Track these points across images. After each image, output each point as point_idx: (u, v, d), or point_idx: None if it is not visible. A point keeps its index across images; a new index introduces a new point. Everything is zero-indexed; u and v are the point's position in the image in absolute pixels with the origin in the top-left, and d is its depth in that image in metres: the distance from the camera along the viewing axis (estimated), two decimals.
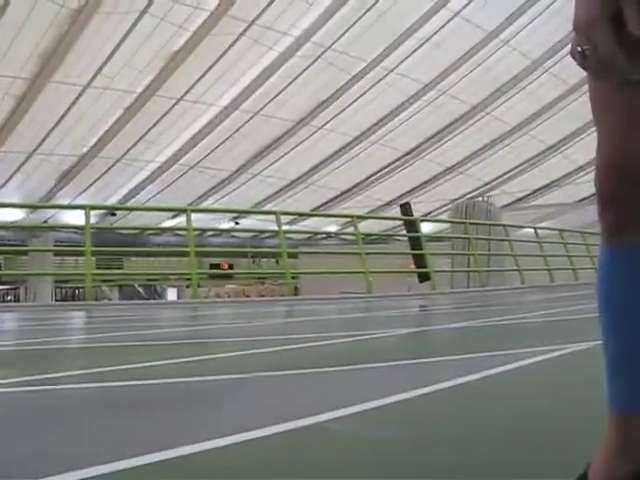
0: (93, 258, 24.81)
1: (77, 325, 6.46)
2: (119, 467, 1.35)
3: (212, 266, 34.06)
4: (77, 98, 23.42)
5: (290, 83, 25.28)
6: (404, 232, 14.65)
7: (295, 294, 12.66)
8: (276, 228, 10.25)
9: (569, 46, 0.85)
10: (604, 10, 0.77)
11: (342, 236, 39.93)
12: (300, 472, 1.36)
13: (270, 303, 11.07)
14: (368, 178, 34.48)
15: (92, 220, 10.03)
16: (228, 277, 35.23)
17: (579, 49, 0.80)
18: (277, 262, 36.86)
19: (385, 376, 2.62)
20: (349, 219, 15.97)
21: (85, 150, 27.34)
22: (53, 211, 31.49)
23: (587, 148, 29.30)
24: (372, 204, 36.30)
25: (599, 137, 0.91)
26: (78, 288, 32.75)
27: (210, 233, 36.34)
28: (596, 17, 0.77)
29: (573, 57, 0.82)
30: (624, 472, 0.90)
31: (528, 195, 36.50)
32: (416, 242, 12.25)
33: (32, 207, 30.48)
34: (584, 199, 31.19)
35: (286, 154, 30.64)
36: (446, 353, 3.34)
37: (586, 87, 0.93)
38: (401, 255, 17.38)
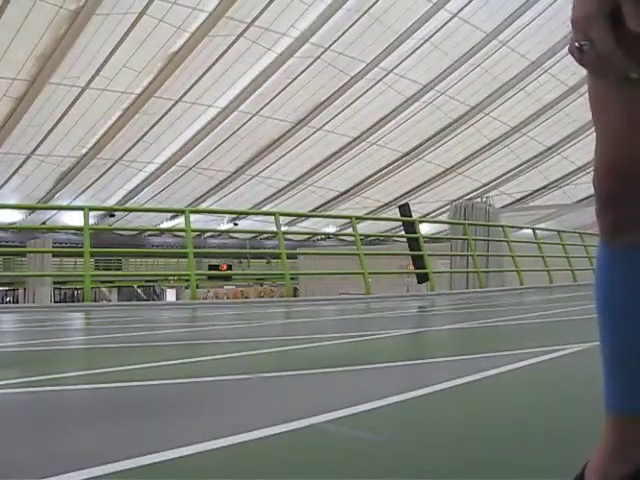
0: (92, 259, 24.78)
1: (76, 326, 6.46)
2: (121, 467, 1.36)
3: (211, 267, 34.10)
4: (75, 99, 23.44)
5: (289, 84, 25.30)
6: (403, 233, 14.64)
7: (294, 295, 12.67)
8: (275, 229, 10.24)
9: (568, 46, 0.85)
10: (602, 6, 0.76)
11: (341, 237, 39.98)
12: (298, 472, 1.37)
13: (269, 304, 11.07)
14: (367, 179, 34.52)
15: (91, 221, 10.03)
16: (227, 278, 35.27)
17: (577, 45, 0.79)
18: (267, 263, 36.97)
19: (383, 377, 2.62)
20: (348, 220, 15.98)
21: (84, 151, 27.35)
22: (52, 212, 31.50)
23: (586, 149, 29.39)
24: (371, 205, 36.34)
25: (598, 137, 0.90)
26: (77, 289, 32.78)
27: (209, 234, 36.36)
28: (594, 13, 0.76)
29: (571, 53, 0.81)
30: (620, 473, 0.91)
31: (527, 196, 36.57)
32: (415, 243, 12.25)
33: (31, 208, 30.49)
34: (583, 200, 31.24)
35: (285, 155, 30.66)
36: (444, 354, 3.34)
37: (585, 88, 0.93)
38: (400, 256, 17.41)
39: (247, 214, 33.85)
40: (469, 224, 13.48)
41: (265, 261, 37.27)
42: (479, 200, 18.06)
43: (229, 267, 34.94)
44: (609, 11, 0.75)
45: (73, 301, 29.78)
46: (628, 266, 0.91)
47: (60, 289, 33.56)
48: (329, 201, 35.91)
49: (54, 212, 31.26)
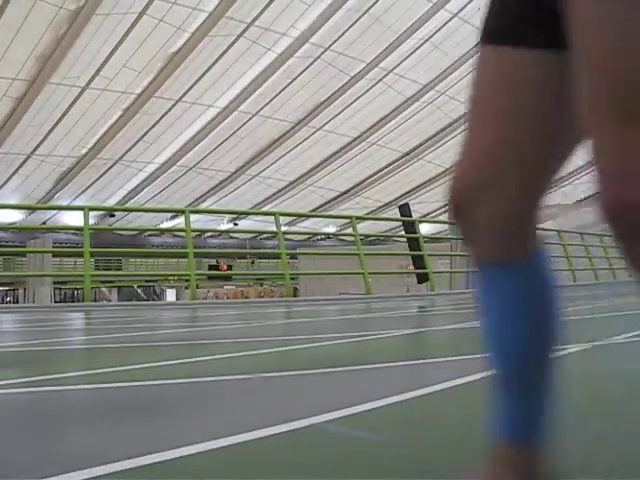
0: (92, 259, 24.78)
1: (76, 326, 6.46)
2: (121, 467, 1.36)
3: (211, 267, 34.09)
4: (75, 99, 23.44)
5: (289, 84, 25.29)
6: (403, 233, 14.65)
7: (294, 295, 12.68)
8: (275, 229, 10.25)
9: None
10: None
11: (341, 237, 39.97)
12: (298, 472, 1.37)
13: (269, 304, 11.07)
14: (367, 179, 34.51)
15: (91, 221, 10.04)
16: (227, 278, 35.27)
17: None
18: (252, 263, 36.90)
19: (383, 377, 2.62)
20: (348, 220, 15.99)
21: (84, 151, 27.35)
22: (52, 212, 31.49)
23: (586, 149, 29.37)
24: (371, 205, 36.33)
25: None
26: (77, 289, 32.77)
27: (209, 234, 36.36)
28: None
29: None
30: None
31: None
32: (415, 243, 12.25)
33: (31, 208, 30.50)
34: (583, 200, 31.22)
35: (285, 155, 30.65)
36: (444, 354, 3.34)
37: None
38: (400, 256, 17.41)
39: (247, 214, 33.84)
40: None
41: (250, 261, 37.22)
42: None
43: (229, 267, 34.93)
44: None
45: (73, 301, 29.77)
46: (483, 287, 0.90)
47: (60, 289, 33.54)
48: (329, 201, 35.90)
49: (54, 212, 31.27)
